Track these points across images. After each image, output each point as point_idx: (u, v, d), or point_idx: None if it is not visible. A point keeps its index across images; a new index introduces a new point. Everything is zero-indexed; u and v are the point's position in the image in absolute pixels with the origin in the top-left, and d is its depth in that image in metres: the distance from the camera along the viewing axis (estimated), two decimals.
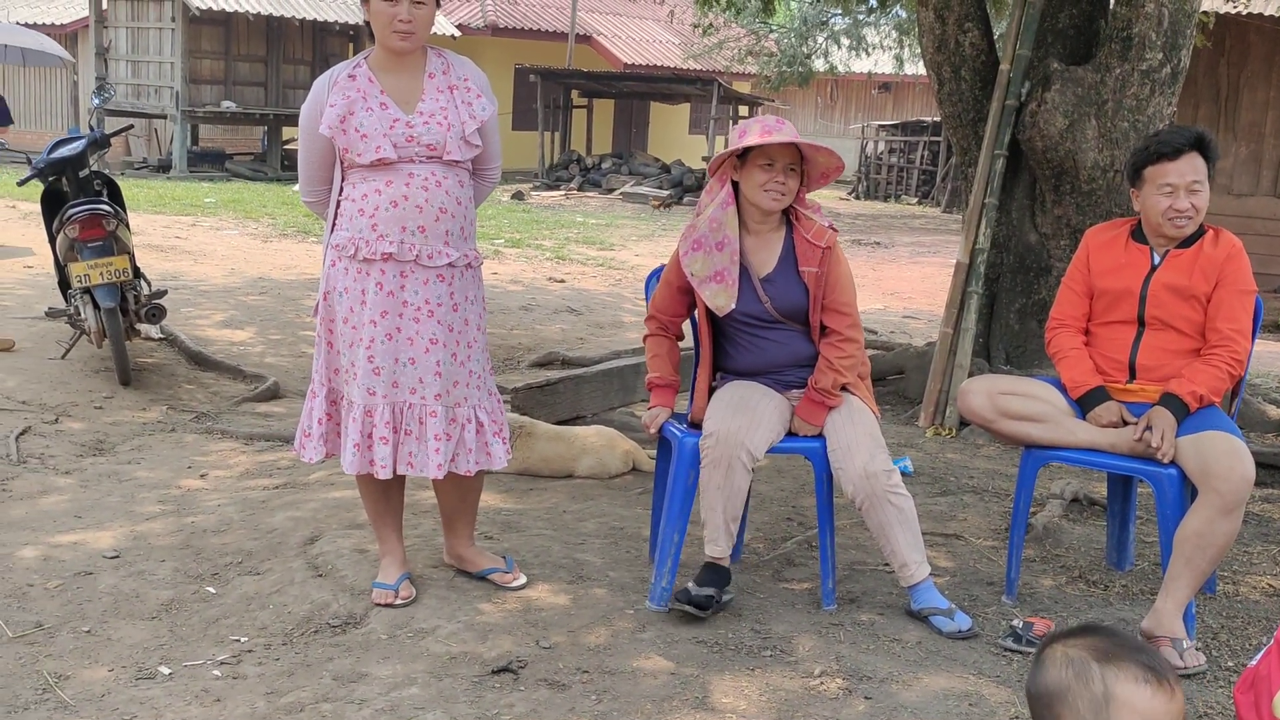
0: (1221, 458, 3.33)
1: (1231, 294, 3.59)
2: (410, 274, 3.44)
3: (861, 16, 21.44)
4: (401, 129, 3.42)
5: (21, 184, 6.68)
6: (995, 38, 6.38)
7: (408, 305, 3.45)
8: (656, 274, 3.99)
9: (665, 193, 21.41)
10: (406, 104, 3.45)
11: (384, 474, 3.47)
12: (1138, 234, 3.76)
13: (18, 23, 22.26)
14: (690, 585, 3.54)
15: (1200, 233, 3.68)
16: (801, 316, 3.66)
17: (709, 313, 3.69)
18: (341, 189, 3.52)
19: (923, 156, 25.21)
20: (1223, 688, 3.22)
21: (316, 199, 3.62)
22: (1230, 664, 3.37)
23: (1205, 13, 8.41)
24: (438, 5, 3.51)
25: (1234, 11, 10.09)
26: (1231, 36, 11.03)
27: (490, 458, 3.61)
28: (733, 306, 3.60)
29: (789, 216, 3.69)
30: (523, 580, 3.72)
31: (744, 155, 3.60)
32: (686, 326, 3.92)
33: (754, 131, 3.55)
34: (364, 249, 3.42)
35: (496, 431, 3.63)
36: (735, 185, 3.65)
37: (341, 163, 3.50)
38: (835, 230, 3.69)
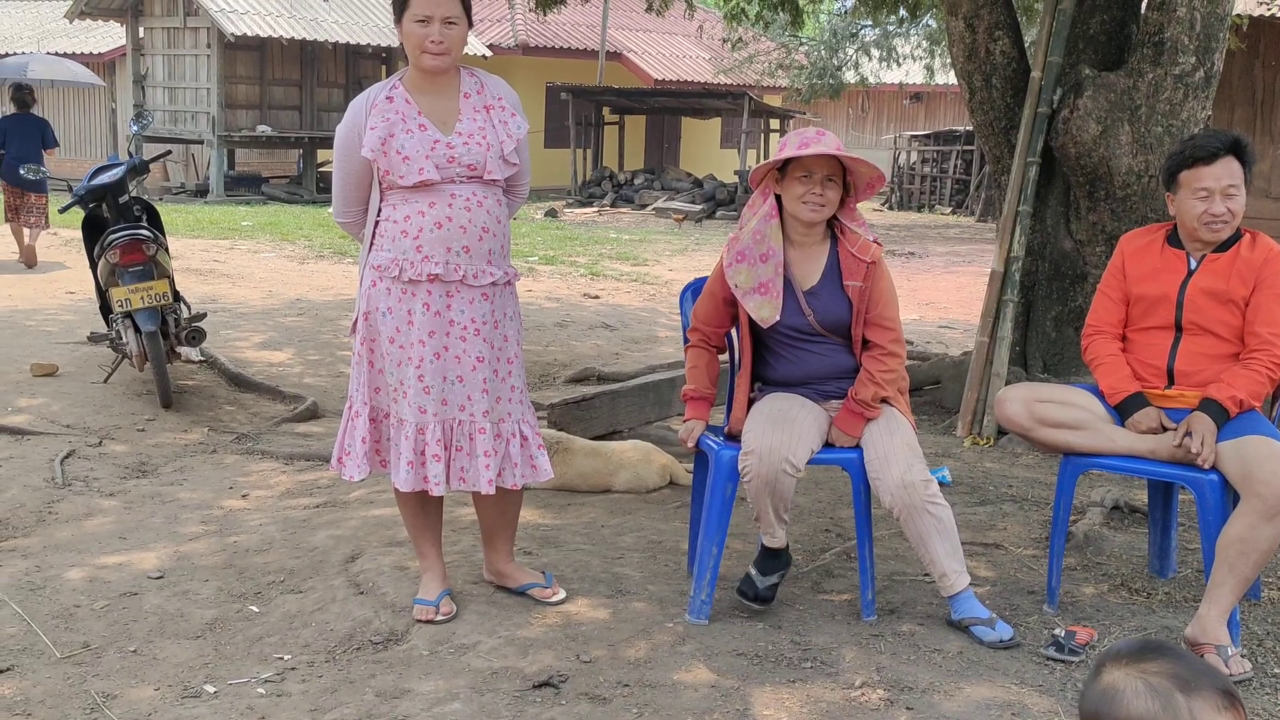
0: (1263, 462, 3.30)
1: (1270, 297, 3.56)
2: (456, 293, 3.47)
3: (891, 27, 21.39)
4: (442, 150, 3.45)
5: (63, 210, 6.80)
6: (1026, 45, 6.36)
7: (454, 324, 3.48)
8: (690, 289, 4.00)
9: (698, 207, 21.41)
10: (444, 125, 3.48)
11: (438, 490, 3.50)
12: (1173, 239, 3.73)
13: (55, 52, 22.60)
14: (753, 572, 3.60)
15: (1237, 236, 3.65)
16: (844, 330, 3.66)
17: (751, 324, 3.69)
18: (380, 210, 3.55)
19: (956, 166, 25.10)
20: (1269, 694, 3.19)
21: (352, 220, 3.64)
22: (1277, 670, 3.34)
23: (1238, 15, 8.36)
24: (470, 25, 3.54)
25: (1268, 14, 10.02)
26: (1267, 39, 10.95)
27: (536, 470, 3.64)
28: (777, 318, 3.61)
29: (834, 230, 3.69)
30: (562, 595, 3.73)
31: (784, 168, 3.61)
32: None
33: (792, 144, 3.56)
34: (409, 270, 3.45)
35: (540, 445, 3.66)
36: (779, 198, 3.66)
37: (380, 184, 3.53)
38: (880, 245, 3.68)
